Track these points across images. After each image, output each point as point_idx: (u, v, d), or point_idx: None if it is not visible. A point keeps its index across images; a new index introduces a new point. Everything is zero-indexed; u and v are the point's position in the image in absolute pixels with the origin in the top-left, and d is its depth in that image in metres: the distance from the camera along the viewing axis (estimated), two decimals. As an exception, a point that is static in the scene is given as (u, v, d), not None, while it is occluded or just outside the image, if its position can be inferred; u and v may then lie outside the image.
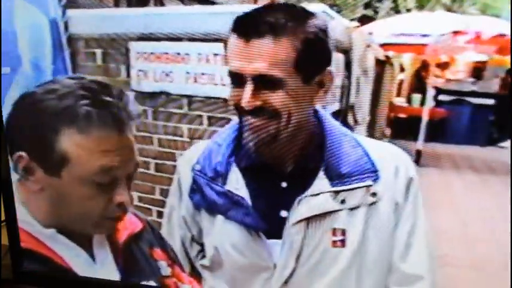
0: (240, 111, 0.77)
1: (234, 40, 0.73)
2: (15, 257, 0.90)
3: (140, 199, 1.24)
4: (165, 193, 1.05)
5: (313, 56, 0.74)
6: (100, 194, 0.73)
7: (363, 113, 0.98)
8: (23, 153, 0.73)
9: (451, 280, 0.90)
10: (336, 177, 0.79)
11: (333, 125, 0.82)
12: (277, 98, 0.75)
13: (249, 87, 0.73)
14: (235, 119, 0.87)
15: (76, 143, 0.71)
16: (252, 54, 0.72)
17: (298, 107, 0.77)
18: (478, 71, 0.99)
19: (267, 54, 0.72)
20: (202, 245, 0.91)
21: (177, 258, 0.92)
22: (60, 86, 0.72)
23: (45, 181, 0.74)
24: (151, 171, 1.20)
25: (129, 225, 0.84)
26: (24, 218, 0.77)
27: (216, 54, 1.04)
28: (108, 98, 0.71)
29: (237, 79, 0.74)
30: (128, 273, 0.82)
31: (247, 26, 0.72)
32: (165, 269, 0.87)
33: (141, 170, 1.21)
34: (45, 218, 0.77)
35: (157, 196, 1.21)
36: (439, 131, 1.00)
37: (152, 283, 0.85)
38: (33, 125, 0.73)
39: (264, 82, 0.73)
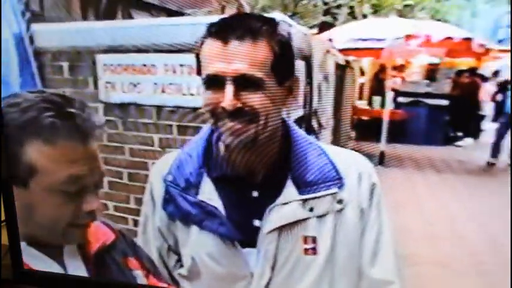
0: (218, 115, 0.77)
1: (211, 44, 0.75)
2: (15, 257, 0.89)
3: (116, 208, 1.24)
4: (139, 202, 1.05)
5: (286, 59, 0.78)
6: (68, 202, 0.74)
7: (327, 117, 1.01)
8: None
9: (418, 278, 0.93)
10: (303, 185, 0.81)
11: (299, 134, 0.84)
12: (256, 99, 0.76)
13: (230, 88, 0.74)
14: (204, 128, 0.89)
15: (43, 153, 0.72)
16: (232, 55, 0.74)
17: (274, 109, 0.78)
18: (431, 73, 1.03)
19: (247, 55, 0.74)
20: (179, 254, 0.91)
21: (152, 267, 0.92)
22: (22, 99, 0.72)
23: (16, 194, 0.75)
24: (125, 180, 1.21)
25: (102, 236, 0.84)
26: None
27: (182, 65, 1.06)
28: (71, 110, 0.72)
29: (216, 82, 0.75)
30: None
31: (225, 29, 0.74)
32: (141, 278, 0.88)
33: (115, 179, 1.21)
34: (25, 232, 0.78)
35: (132, 205, 1.22)
36: (399, 132, 1.04)
37: None
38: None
39: (243, 83, 0.74)
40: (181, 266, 0.91)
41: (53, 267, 0.79)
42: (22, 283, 0.93)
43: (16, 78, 1.16)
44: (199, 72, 0.79)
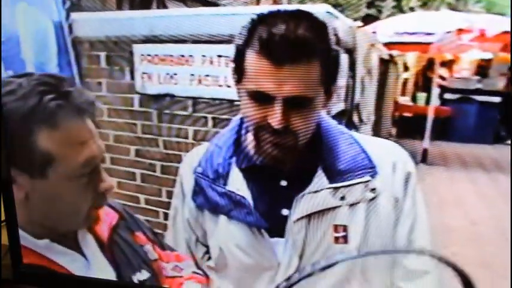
0: (262, 127, 0.76)
1: (259, 61, 0.73)
2: (15, 257, 0.89)
3: (147, 201, 1.24)
4: (171, 195, 1.05)
5: (334, 68, 0.77)
6: (87, 185, 0.74)
7: (368, 112, 0.98)
8: None
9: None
10: (334, 174, 0.80)
11: (330, 123, 0.83)
12: (303, 117, 0.76)
13: (279, 108, 0.73)
14: (234, 120, 0.88)
15: (55, 139, 0.70)
16: (285, 78, 0.72)
17: (314, 120, 0.78)
18: (483, 69, 0.98)
19: (301, 77, 0.72)
20: (207, 246, 0.91)
21: (155, 238, 0.92)
22: (15, 86, 0.70)
23: (29, 186, 0.73)
24: (157, 173, 1.20)
25: (107, 217, 0.84)
26: (21, 234, 0.78)
27: (220, 56, 1.04)
28: (69, 88, 0.71)
29: (263, 98, 0.74)
30: (119, 267, 0.82)
31: (279, 50, 0.71)
32: (152, 253, 0.88)
33: (147, 172, 1.21)
34: (35, 228, 0.77)
35: (163, 198, 1.21)
36: (445, 130, 1.00)
37: (145, 273, 0.85)
38: (5, 131, 0.73)
39: (293, 102, 0.73)
40: (209, 258, 0.91)
41: (76, 258, 0.79)
42: (22, 283, 0.93)
43: (54, 67, 1.17)
44: (236, 61, 0.78)
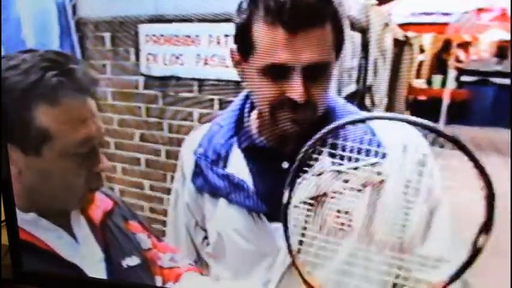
0: (280, 105, 0.73)
1: (273, 32, 0.70)
2: (15, 257, 0.89)
3: (151, 187, 1.22)
4: (176, 181, 1.02)
5: (343, 33, 0.74)
6: (81, 165, 0.73)
7: (381, 95, 0.94)
8: None
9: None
10: (338, 156, 0.76)
11: (337, 102, 0.80)
12: (320, 88, 0.73)
13: (299, 79, 0.70)
14: (237, 99, 0.85)
15: (54, 116, 0.70)
16: (302, 45, 0.69)
17: (329, 91, 0.75)
18: (502, 50, 0.94)
19: (317, 43, 0.70)
20: (206, 230, 0.90)
21: (151, 228, 0.93)
22: (19, 61, 0.69)
23: (23, 162, 0.72)
24: (162, 158, 1.18)
25: (101, 203, 0.84)
26: None
27: (227, 36, 1.01)
28: (73, 66, 0.70)
29: (279, 72, 0.71)
30: (109, 250, 0.82)
31: (291, 17, 0.68)
32: (145, 241, 0.88)
33: (152, 157, 1.19)
34: (24, 203, 0.77)
35: (168, 184, 1.19)
36: (461, 113, 0.96)
37: (135, 259, 0.85)
38: (4, 106, 0.71)
39: (312, 71, 0.71)
40: (208, 244, 0.90)
41: (63, 236, 0.78)
42: (22, 283, 0.93)
43: (56, 49, 1.14)
44: (236, 41, 0.76)
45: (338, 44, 0.74)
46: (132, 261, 0.85)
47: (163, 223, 1.05)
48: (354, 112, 0.81)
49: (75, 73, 0.71)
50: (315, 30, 0.69)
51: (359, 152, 0.76)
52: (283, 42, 0.69)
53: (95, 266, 0.82)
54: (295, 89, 0.71)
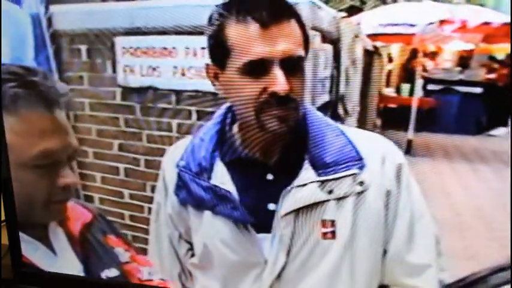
0: (263, 103, 0.74)
1: (248, 28, 0.72)
2: (15, 257, 0.89)
3: (131, 196, 1.22)
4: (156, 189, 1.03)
5: (305, 28, 0.76)
6: (43, 177, 0.73)
7: (353, 103, 0.98)
8: None
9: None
10: (321, 166, 0.78)
11: (316, 114, 0.82)
12: (299, 82, 0.75)
13: (279, 71, 0.72)
14: (217, 112, 0.86)
15: (10, 128, 0.70)
16: (276, 37, 0.71)
17: (305, 88, 0.77)
18: (464, 60, 0.99)
19: (289, 35, 0.72)
20: (190, 243, 0.89)
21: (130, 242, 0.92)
22: None
23: None
24: (142, 167, 1.18)
25: (80, 215, 0.84)
26: None
27: (203, 48, 1.02)
28: (34, 78, 0.71)
29: (259, 68, 0.72)
30: (88, 262, 0.82)
31: (262, 11, 0.71)
32: (123, 255, 0.88)
33: (131, 166, 1.19)
34: None
35: (148, 193, 1.19)
36: (429, 121, 1.00)
37: (114, 271, 0.85)
38: None
39: (289, 65, 0.72)
40: (193, 255, 0.89)
41: (40, 248, 0.78)
42: (22, 283, 0.93)
43: (31, 61, 1.14)
44: (212, 56, 0.77)
45: (305, 40, 0.76)
46: (111, 272, 0.85)
47: (145, 231, 1.06)
48: (329, 123, 0.83)
49: (36, 85, 0.71)
50: (284, 23, 0.72)
51: (340, 163, 0.78)
52: (258, 37, 0.71)
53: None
54: (277, 81, 0.72)
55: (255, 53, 0.71)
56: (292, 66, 0.73)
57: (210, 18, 0.77)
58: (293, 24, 0.73)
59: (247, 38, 0.72)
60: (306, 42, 0.76)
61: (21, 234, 0.79)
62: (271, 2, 0.72)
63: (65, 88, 0.77)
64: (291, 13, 0.74)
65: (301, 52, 0.74)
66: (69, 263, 0.81)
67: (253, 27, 0.71)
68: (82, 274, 0.83)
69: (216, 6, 0.76)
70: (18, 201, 0.77)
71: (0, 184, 0.84)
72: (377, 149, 0.80)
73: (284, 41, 0.71)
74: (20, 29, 1.10)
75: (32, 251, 0.78)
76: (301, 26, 0.75)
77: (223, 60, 0.75)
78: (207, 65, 0.80)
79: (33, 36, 1.12)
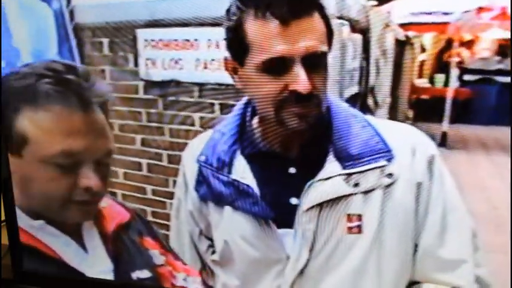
0: (284, 100, 0.73)
1: (267, 26, 0.69)
2: (15, 257, 0.89)
3: (154, 192, 1.21)
4: (178, 185, 1.02)
5: (329, 21, 0.73)
6: (62, 176, 0.72)
7: (384, 95, 0.94)
8: None
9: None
10: (346, 159, 0.76)
11: (340, 105, 0.80)
12: (322, 79, 0.72)
13: (301, 69, 0.69)
14: (238, 105, 0.85)
15: (35, 122, 0.70)
16: (297, 33, 0.69)
17: (328, 85, 0.75)
18: (503, 49, 0.94)
19: (311, 30, 0.70)
20: (211, 239, 0.88)
21: (168, 246, 0.91)
22: (28, 68, 0.71)
23: (12, 161, 0.74)
24: (164, 163, 1.17)
25: (117, 215, 0.84)
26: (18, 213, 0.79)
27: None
28: (70, 77, 0.70)
29: (279, 67, 0.70)
30: (119, 262, 0.82)
31: (282, 7, 0.68)
32: (158, 257, 0.87)
33: (154, 162, 1.18)
34: (31, 208, 0.77)
35: (170, 188, 1.18)
36: (465, 112, 0.96)
37: (146, 273, 0.85)
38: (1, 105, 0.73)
39: (311, 62, 0.70)
40: (214, 251, 0.88)
41: (70, 244, 0.78)
42: (22, 283, 0.93)
43: (54, 55, 1.14)
44: (231, 51, 0.76)
45: (329, 33, 0.74)
46: (143, 274, 0.84)
47: (167, 227, 1.05)
48: (355, 114, 0.80)
49: (71, 84, 0.71)
50: (306, 18, 0.69)
51: (367, 155, 0.76)
52: (278, 34, 0.69)
53: (102, 276, 0.82)
54: (299, 80, 0.70)
55: (275, 51, 0.69)
56: (315, 62, 0.71)
57: (228, 11, 0.75)
58: (316, 18, 0.71)
59: (266, 36, 0.70)
60: (330, 36, 0.74)
61: (51, 228, 0.78)
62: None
63: (105, 89, 0.76)
64: (313, 6, 0.71)
65: (324, 47, 0.72)
66: (100, 262, 0.81)
67: (273, 24, 0.69)
68: (111, 274, 0.82)
69: (233, 1, 0.74)
70: (36, 196, 0.77)
71: (0, 184, 0.84)
72: (407, 140, 0.78)
73: (306, 38, 0.69)
74: (41, 23, 1.10)
75: (62, 245, 0.79)
76: (325, 18, 0.72)
77: (242, 56, 0.74)
78: (226, 58, 0.78)
79: (56, 30, 1.11)
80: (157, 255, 0.88)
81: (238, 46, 0.74)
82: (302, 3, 0.70)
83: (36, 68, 0.72)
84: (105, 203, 0.83)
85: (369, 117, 0.82)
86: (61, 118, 0.71)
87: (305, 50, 0.69)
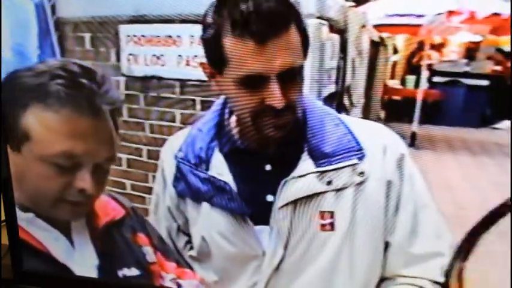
0: (259, 112, 0.74)
1: (245, 45, 0.70)
2: (15, 257, 0.89)
3: (133, 187, 1.22)
4: (157, 180, 1.02)
5: (306, 30, 0.74)
6: (58, 176, 0.72)
7: (358, 95, 0.97)
8: None
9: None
10: (320, 157, 0.78)
11: (314, 103, 0.81)
12: (297, 90, 0.74)
13: (276, 86, 0.70)
14: (216, 103, 0.86)
15: (40, 121, 0.70)
16: (273, 52, 0.69)
17: (303, 88, 0.76)
18: (471, 52, 0.99)
19: (287, 46, 0.70)
20: (189, 235, 0.89)
21: (162, 244, 0.91)
22: (44, 65, 0.71)
23: (11, 157, 0.74)
24: (144, 158, 1.18)
25: (111, 211, 0.84)
26: None
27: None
28: (84, 81, 0.70)
29: (255, 82, 0.71)
30: (105, 258, 0.82)
31: (259, 27, 0.68)
32: (150, 255, 0.87)
33: (133, 157, 1.19)
34: (23, 200, 0.78)
35: (150, 184, 1.19)
36: (433, 113, 1.00)
37: (134, 270, 0.85)
38: (7, 100, 0.73)
39: (286, 76, 0.71)
40: (191, 248, 0.89)
41: (59, 238, 0.78)
42: (22, 283, 0.93)
43: (35, 50, 1.13)
44: (208, 56, 0.76)
45: (305, 43, 0.75)
46: (130, 272, 0.84)
47: (146, 222, 1.05)
48: (329, 112, 0.82)
49: (83, 88, 0.71)
50: (283, 35, 0.70)
51: (339, 153, 0.78)
52: (255, 53, 0.69)
53: (87, 271, 0.81)
54: (274, 96, 0.71)
55: (252, 69, 0.70)
56: (290, 76, 0.72)
57: (204, 20, 0.75)
58: (292, 31, 0.71)
59: (243, 54, 0.70)
60: (306, 44, 0.74)
61: (40, 221, 0.78)
62: (268, 17, 0.69)
63: (117, 96, 0.76)
64: (290, 18, 0.71)
65: (300, 61, 0.73)
66: (86, 257, 0.81)
67: (250, 43, 0.69)
68: (95, 270, 0.82)
69: (210, 8, 0.73)
70: (29, 192, 0.76)
71: (0, 184, 0.83)
72: (378, 139, 0.80)
73: (282, 55, 0.70)
74: (22, 16, 1.09)
75: (51, 240, 0.78)
76: (301, 28, 0.73)
77: (220, 67, 0.74)
78: (203, 63, 0.78)
79: (37, 24, 1.11)
80: (150, 253, 0.88)
81: (216, 57, 0.74)
82: (278, 19, 0.70)
83: (52, 66, 0.72)
84: (100, 200, 0.83)
85: (342, 115, 0.84)
86: (68, 120, 0.71)
87: (281, 67, 0.70)
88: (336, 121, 0.81)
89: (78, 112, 0.71)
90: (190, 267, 0.92)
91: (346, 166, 0.78)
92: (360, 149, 0.79)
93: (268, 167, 0.82)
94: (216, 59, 0.74)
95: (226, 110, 0.85)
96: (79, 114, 0.71)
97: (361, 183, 0.78)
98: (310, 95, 0.83)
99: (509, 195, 0.78)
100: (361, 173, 0.78)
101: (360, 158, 0.78)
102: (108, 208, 0.85)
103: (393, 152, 0.80)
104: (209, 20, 0.73)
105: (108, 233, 0.83)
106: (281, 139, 0.78)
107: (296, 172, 0.79)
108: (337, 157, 0.78)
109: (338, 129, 0.80)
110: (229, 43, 0.71)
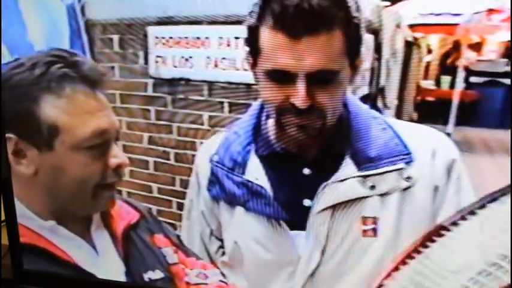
0: (284, 109, 0.73)
1: (274, 36, 0.69)
2: (15, 257, 0.89)
3: (159, 190, 1.21)
4: (185, 184, 1.02)
5: (359, 39, 0.73)
6: (95, 159, 0.73)
7: (392, 96, 0.95)
8: (11, 135, 0.71)
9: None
10: (364, 161, 0.76)
11: (359, 107, 0.80)
12: (328, 94, 0.71)
13: (302, 85, 0.69)
14: (253, 106, 0.84)
15: (60, 109, 0.70)
16: (306, 51, 0.68)
17: (341, 97, 0.75)
18: (511, 51, 0.96)
19: (323, 49, 0.68)
20: (221, 240, 0.88)
21: (181, 244, 0.91)
22: (25, 60, 0.71)
23: (39, 160, 0.72)
24: (171, 161, 1.17)
25: (126, 215, 0.83)
26: (23, 213, 0.77)
27: (237, 38, 1.01)
28: (78, 58, 0.72)
29: (283, 77, 0.70)
30: (130, 263, 0.81)
31: (294, 23, 0.67)
32: (171, 256, 0.87)
33: (161, 160, 1.18)
34: (43, 208, 0.76)
35: (177, 187, 1.18)
36: (470, 114, 0.97)
37: (158, 273, 0.84)
38: (12, 103, 0.72)
39: (317, 78, 0.69)
40: (224, 253, 0.88)
41: (82, 245, 0.77)
42: (22, 283, 0.93)
43: (65, 50, 1.13)
44: (247, 43, 0.75)
45: (352, 50, 0.72)
46: (155, 275, 0.84)
47: (172, 226, 1.05)
48: (375, 116, 0.81)
49: (80, 65, 0.72)
50: (321, 35, 0.68)
51: (385, 157, 0.76)
52: (284, 48, 0.68)
53: (113, 277, 0.81)
54: (297, 95, 0.70)
55: (279, 63, 0.70)
56: (321, 79, 0.70)
57: (252, 8, 0.75)
58: (335, 34, 0.69)
59: (274, 46, 0.70)
60: (353, 52, 0.72)
61: (62, 229, 0.77)
62: (308, 13, 0.67)
63: (104, 68, 0.78)
64: (336, 24, 0.69)
65: (335, 66, 0.70)
66: (111, 263, 0.81)
67: (282, 36, 0.68)
68: (123, 276, 0.82)
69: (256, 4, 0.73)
70: (69, 189, 0.76)
71: (0, 184, 0.83)
72: (427, 142, 0.78)
73: (314, 56, 0.68)
74: (54, 19, 1.10)
75: (74, 248, 0.78)
76: (349, 34, 0.70)
77: (255, 56, 0.74)
78: (247, 52, 0.78)
79: (68, 26, 1.12)
80: (170, 254, 0.88)
81: (252, 46, 0.74)
82: (319, 20, 0.68)
83: (41, 57, 0.72)
84: (117, 202, 0.84)
85: (388, 118, 0.82)
86: (79, 99, 0.72)
87: (310, 67, 0.69)
88: (383, 125, 0.80)
89: (85, 89, 0.72)
90: (223, 275, 0.91)
91: (392, 170, 0.76)
92: (408, 153, 0.77)
93: (306, 171, 0.80)
94: (252, 48, 0.75)
95: (264, 113, 0.84)
96: (86, 91, 0.73)
97: (407, 188, 0.76)
98: (355, 98, 0.82)
99: (509, 195, 0.78)
100: (408, 178, 0.76)
101: (408, 163, 0.77)
102: (122, 212, 0.85)
103: (443, 156, 0.78)
104: (255, 8, 0.74)
105: (128, 237, 0.83)
106: (323, 141, 0.77)
107: (337, 176, 0.77)
108: (383, 161, 0.76)
109: (384, 132, 0.79)
110: (265, 34, 0.71)
